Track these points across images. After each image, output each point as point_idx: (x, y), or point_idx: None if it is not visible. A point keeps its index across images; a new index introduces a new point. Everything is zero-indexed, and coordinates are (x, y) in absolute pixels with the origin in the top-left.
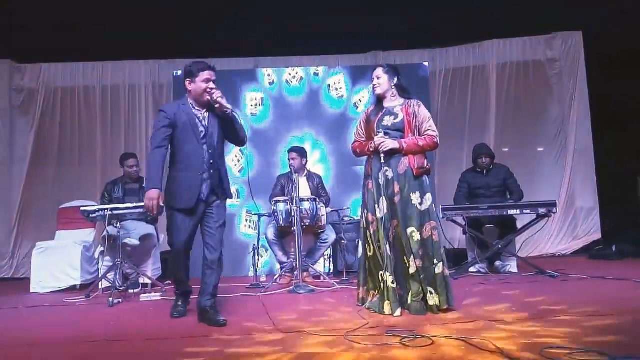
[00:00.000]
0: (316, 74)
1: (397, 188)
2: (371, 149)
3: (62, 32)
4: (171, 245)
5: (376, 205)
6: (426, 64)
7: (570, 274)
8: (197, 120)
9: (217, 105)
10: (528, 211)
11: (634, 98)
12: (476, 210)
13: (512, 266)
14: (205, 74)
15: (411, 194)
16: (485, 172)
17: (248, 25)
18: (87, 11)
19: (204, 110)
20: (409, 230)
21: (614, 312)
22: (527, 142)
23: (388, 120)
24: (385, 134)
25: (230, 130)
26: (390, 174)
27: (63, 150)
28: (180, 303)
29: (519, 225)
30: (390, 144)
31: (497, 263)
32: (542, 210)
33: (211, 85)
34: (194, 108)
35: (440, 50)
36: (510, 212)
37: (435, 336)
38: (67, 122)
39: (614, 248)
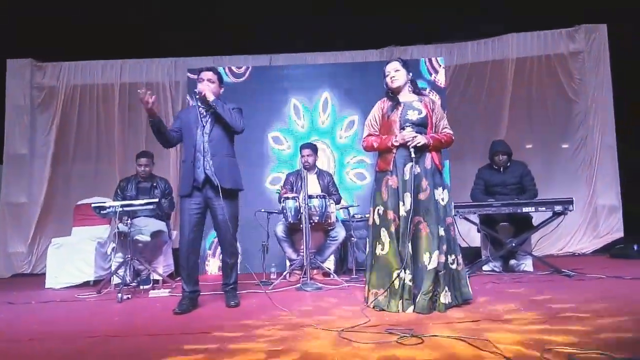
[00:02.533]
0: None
1: (425, 184)
2: (395, 144)
3: (81, 31)
4: (180, 234)
5: (400, 202)
6: (441, 58)
7: (587, 273)
8: (199, 116)
9: (197, 96)
10: (543, 209)
11: None
12: (489, 207)
13: (527, 265)
14: (201, 75)
15: (435, 190)
16: (502, 169)
17: (262, 21)
18: (105, 10)
19: (207, 107)
20: (435, 226)
21: (624, 312)
22: (547, 138)
23: (412, 115)
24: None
25: (218, 118)
26: (417, 170)
27: (82, 148)
28: (185, 301)
29: (535, 223)
30: (420, 138)
31: (512, 261)
32: (558, 208)
33: (203, 83)
34: (199, 106)
35: (457, 45)
36: (525, 209)
37: (436, 335)
38: (86, 119)
39: (635, 247)
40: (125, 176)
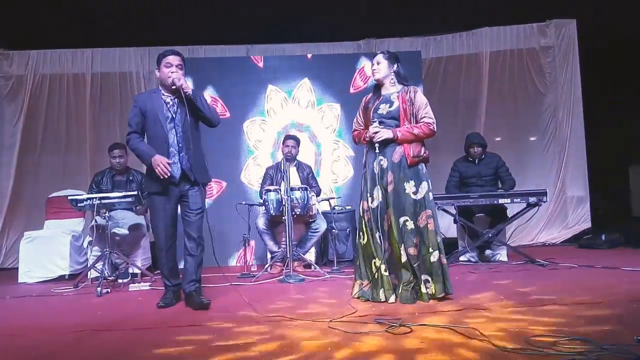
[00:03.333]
0: None
1: (390, 177)
2: (367, 139)
3: (51, 18)
4: (153, 231)
5: (369, 195)
6: (418, 51)
7: (559, 262)
8: (165, 106)
9: (173, 87)
10: (518, 200)
11: (627, 88)
12: (467, 199)
13: (502, 255)
14: (168, 59)
15: (405, 183)
16: (477, 161)
17: (240, 12)
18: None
19: (174, 97)
20: (402, 219)
21: (602, 300)
22: (518, 130)
23: (384, 109)
24: (380, 122)
25: (194, 111)
26: (384, 163)
27: (52, 139)
28: (168, 295)
29: (510, 214)
30: (384, 134)
31: (487, 252)
32: (532, 199)
33: (172, 69)
34: (163, 94)
35: (434, 38)
36: (501, 201)
37: (423, 324)
38: (55, 109)
39: (603, 237)
40: (96, 169)
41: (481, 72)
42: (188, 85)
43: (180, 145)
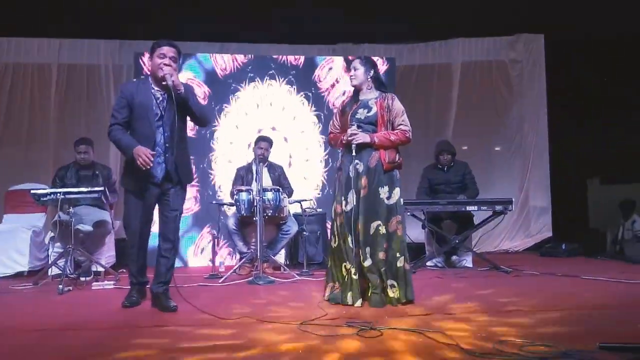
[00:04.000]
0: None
1: (365, 182)
2: (344, 142)
3: (17, 4)
4: (126, 228)
5: (343, 198)
6: (392, 57)
7: (522, 270)
8: (154, 101)
9: (164, 82)
10: (485, 208)
11: (590, 101)
12: (436, 205)
13: (468, 261)
14: (163, 50)
15: (379, 188)
16: (446, 168)
17: (215, 9)
18: None
19: (164, 92)
20: (375, 224)
21: (563, 306)
22: (485, 140)
23: (362, 113)
24: (358, 127)
25: (185, 109)
26: (360, 167)
27: (12, 130)
28: (134, 293)
29: (476, 221)
30: (361, 137)
31: (454, 257)
32: (498, 208)
33: (166, 61)
34: (153, 87)
35: (407, 46)
36: (468, 208)
37: (393, 328)
38: (17, 100)
39: (563, 246)
40: (60, 163)
41: (452, 81)
42: (180, 82)
43: (166, 145)
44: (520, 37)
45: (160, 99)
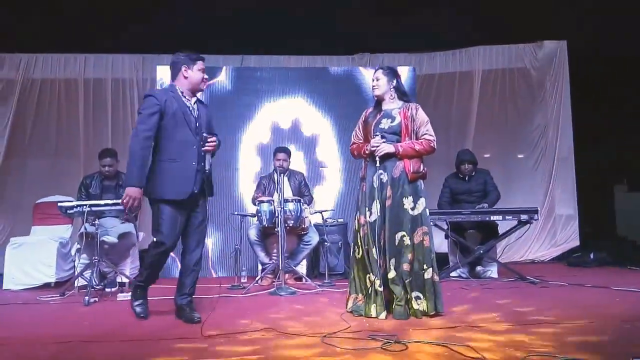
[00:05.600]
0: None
1: (389, 192)
2: (367, 152)
3: (44, 22)
4: (160, 242)
5: (367, 209)
6: (412, 67)
7: (549, 280)
8: (188, 109)
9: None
10: (510, 217)
11: (614, 108)
12: (459, 215)
13: (493, 271)
14: (202, 64)
15: (403, 199)
16: (467, 178)
17: (234, 22)
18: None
19: (193, 101)
20: (399, 234)
21: (595, 320)
22: (508, 148)
23: (385, 123)
24: (382, 137)
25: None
26: (384, 178)
27: (41, 144)
28: (143, 301)
29: (501, 230)
30: (385, 148)
31: (478, 268)
32: (523, 217)
33: (205, 75)
34: (184, 97)
35: (427, 55)
36: (493, 217)
37: (419, 342)
38: (45, 114)
39: (591, 256)
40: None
41: (473, 89)
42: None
43: (202, 153)
44: (542, 44)
45: (191, 108)
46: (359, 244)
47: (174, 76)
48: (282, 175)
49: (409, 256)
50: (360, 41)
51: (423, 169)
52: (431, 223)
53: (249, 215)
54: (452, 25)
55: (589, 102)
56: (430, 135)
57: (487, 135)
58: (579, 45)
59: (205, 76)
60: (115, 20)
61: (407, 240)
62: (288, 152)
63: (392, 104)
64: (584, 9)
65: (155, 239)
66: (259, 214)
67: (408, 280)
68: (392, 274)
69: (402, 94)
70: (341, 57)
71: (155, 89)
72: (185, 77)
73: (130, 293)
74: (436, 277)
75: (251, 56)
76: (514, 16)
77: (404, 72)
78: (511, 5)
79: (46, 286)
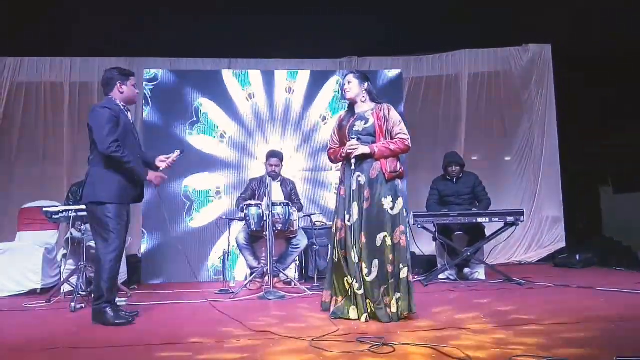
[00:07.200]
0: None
1: (367, 193)
2: (343, 155)
3: (29, 26)
4: (114, 247)
5: (346, 212)
6: (399, 71)
7: (536, 281)
8: (130, 120)
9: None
10: (497, 219)
11: (599, 110)
12: (446, 217)
13: (480, 273)
14: (134, 80)
15: (382, 199)
16: (455, 180)
17: (220, 26)
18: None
19: (128, 112)
20: (381, 235)
21: (580, 320)
22: (494, 151)
23: (359, 125)
24: (357, 139)
25: None
26: (362, 180)
27: (27, 149)
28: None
29: (488, 232)
30: (361, 149)
31: (466, 270)
32: (510, 219)
33: (137, 90)
34: (126, 109)
35: (414, 58)
36: (480, 219)
37: (406, 344)
38: (32, 118)
39: (577, 257)
40: (74, 180)
41: (460, 92)
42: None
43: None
44: (528, 47)
45: (130, 118)
46: (336, 247)
47: (109, 91)
48: (270, 178)
49: (391, 257)
50: (347, 44)
51: (400, 168)
52: (418, 225)
53: (236, 219)
54: (439, 29)
55: (574, 104)
56: (404, 134)
57: (474, 138)
58: (563, 48)
59: (137, 91)
60: (101, 23)
61: (388, 241)
62: (281, 157)
63: (364, 106)
64: (567, 12)
65: (112, 245)
66: (247, 218)
67: (392, 281)
68: (371, 277)
69: (373, 96)
70: (328, 61)
71: (104, 103)
72: (121, 92)
73: (117, 299)
74: (410, 277)
75: (237, 59)
76: (499, 19)
77: (391, 75)
78: (496, 9)
79: (32, 292)
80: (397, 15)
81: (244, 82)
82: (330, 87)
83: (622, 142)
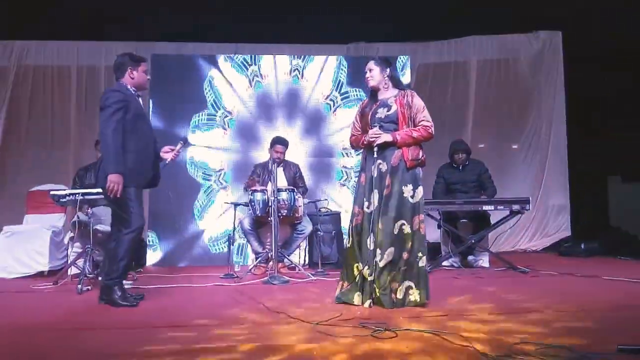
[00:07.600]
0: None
1: (388, 181)
2: (365, 143)
3: (37, 9)
4: (135, 227)
5: (365, 199)
6: (407, 57)
7: (540, 270)
8: (141, 106)
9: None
10: (502, 207)
11: (608, 99)
12: (452, 204)
13: (484, 261)
14: (145, 65)
15: (403, 187)
16: (461, 167)
17: (227, 10)
18: None
19: (139, 98)
20: (399, 223)
21: (583, 308)
22: (502, 138)
23: (382, 113)
24: (380, 126)
25: None
26: (383, 167)
27: (34, 132)
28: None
29: (493, 220)
30: (383, 137)
31: (470, 257)
32: (515, 207)
33: (148, 76)
34: (136, 94)
35: (422, 44)
36: (485, 207)
37: (409, 329)
38: (39, 102)
39: (582, 246)
40: (81, 164)
41: (469, 79)
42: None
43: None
44: (538, 34)
45: (141, 103)
46: (350, 233)
47: (120, 76)
48: (275, 164)
49: (409, 245)
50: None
51: (422, 156)
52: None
53: (241, 204)
54: (446, 15)
55: (583, 93)
56: (428, 121)
57: (482, 125)
58: (573, 35)
59: (148, 77)
60: (109, 6)
61: (407, 229)
62: (286, 145)
63: (387, 93)
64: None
65: (132, 225)
66: (253, 204)
67: (404, 268)
68: (383, 263)
69: (396, 82)
70: (335, 46)
71: (115, 87)
72: (132, 78)
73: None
74: (427, 266)
75: (245, 44)
76: (509, 5)
77: (400, 61)
78: None
79: (39, 275)
80: (406, 1)
81: (248, 68)
82: (330, 66)
83: (633, 131)
